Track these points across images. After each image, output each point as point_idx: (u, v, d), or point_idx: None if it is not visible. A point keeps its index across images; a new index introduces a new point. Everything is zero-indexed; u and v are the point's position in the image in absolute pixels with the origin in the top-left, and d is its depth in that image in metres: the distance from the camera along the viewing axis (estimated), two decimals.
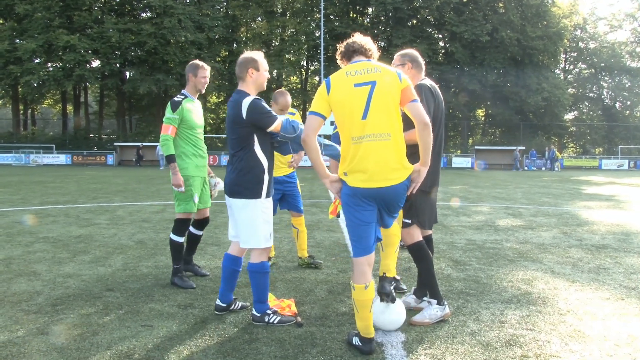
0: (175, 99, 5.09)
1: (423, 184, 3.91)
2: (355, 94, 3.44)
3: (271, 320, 4.04)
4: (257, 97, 4.08)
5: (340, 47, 3.72)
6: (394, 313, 3.89)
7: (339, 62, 3.75)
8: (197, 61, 5.23)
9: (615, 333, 3.91)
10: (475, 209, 12.27)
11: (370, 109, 3.41)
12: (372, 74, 3.48)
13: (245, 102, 3.95)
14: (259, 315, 4.09)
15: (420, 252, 4.18)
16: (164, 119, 5.04)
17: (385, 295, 3.84)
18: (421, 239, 4.20)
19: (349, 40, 3.69)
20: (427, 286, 4.24)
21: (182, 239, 5.24)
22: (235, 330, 3.93)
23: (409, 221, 4.17)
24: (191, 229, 5.48)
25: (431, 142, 3.49)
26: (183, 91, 5.21)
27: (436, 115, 4.14)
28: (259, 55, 4.19)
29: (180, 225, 5.25)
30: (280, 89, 6.07)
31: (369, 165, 3.40)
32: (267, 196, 4.10)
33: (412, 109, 3.47)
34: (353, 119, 3.43)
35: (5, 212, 10.69)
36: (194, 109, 5.15)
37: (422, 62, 4.33)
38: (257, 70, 4.11)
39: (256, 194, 4.03)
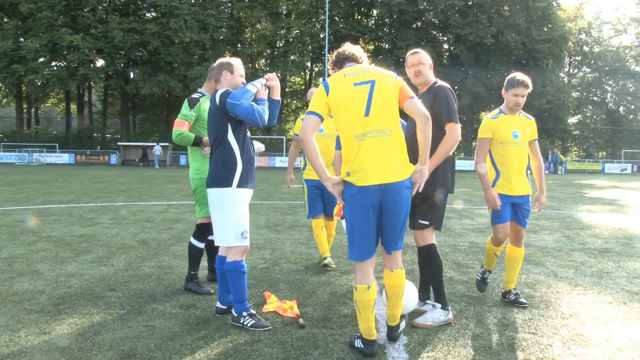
0: (193, 96, 4.97)
1: (447, 184, 4.08)
2: (356, 93, 3.47)
3: (245, 323, 4.00)
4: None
5: (331, 57, 3.80)
6: (405, 297, 3.84)
7: (330, 71, 3.82)
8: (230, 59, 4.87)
9: (618, 337, 3.90)
10: (478, 211, 12.25)
11: (372, 105, 3.44)
12: (370, 74, 3.54)
13: (218, 93, 4.14)
14: (235, 315, 4.07)
15: (432, 256, 4.16)
16: (179, 115, 4.89)
17: (393, 340, 3.76)
18: (434, 242, 4.19)
19: (339, 50, 3.78)
20: (434, 290, 4.20)
21: (202, 245, 5.07)
22: (238, 332, 3.92)
23: (427, 222, 4.13)
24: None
25: (431, 138, 3.51)
26: (200, 89, 5.10)
27: None
28: (235, 60, 4.38)
29: (201, 230, 5.04)
30: None
31: (372, 162, 3.40)
32: (240, 186, 4.07)
33: (412, 105, 3.50)
34: (356, 117, 3.45)
35: (8, 211, 10.72)
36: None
37: None
38: (231, 73, 4.31)
39: (227, 182, 4.04)
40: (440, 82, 4.23)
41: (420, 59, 4.25)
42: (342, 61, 3.71)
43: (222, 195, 4.05)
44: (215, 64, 4.44)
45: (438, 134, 4.03)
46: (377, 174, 3.39)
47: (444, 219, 4.50)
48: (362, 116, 3.43)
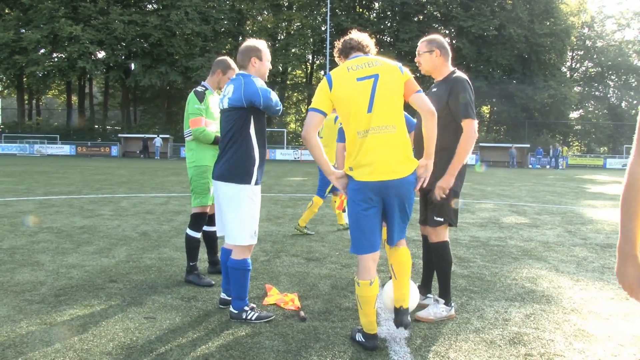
0: (199, 89, 4.92)
1: (456, 184, 3.97)
2: (359, 88, 3.43)
3: (249, 317, 3.96)
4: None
5: (338, 44, 3.72)
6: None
7: (336, 59, 3.75)
8: (229, 60, 4.98)
9: (620, 333, 3.89)
10: (479, 206, 12.23)
11: (375, 102, 3.40)
12: (374, 68, 3.47)
13: (243, 81, 3.92)
14: (236, 312, 4.00)
15: (444, 251, 4.13)
16: (190, 113, 4.82)
17: (403, 327, 3.66)
18: (447, 239, 4.17)
19: (346, 37, 3.69)
20: (440, 285, 4.16)
21: (198, 235, 5.06)
22: (239, 324, 3.92)
23: (442, 220, 4.06)
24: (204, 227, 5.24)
25: (436, 132, 3.47)
26: (203, 83, 5.05)
27: None
28: (262, 45, 4.11)
29: (196, 220, 5.03)
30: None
31: (374, 158, 3.37)
32: (257, 183, 4.00)
33: (417, 100, 3.46)
34: (358, 113, 3.41)
35: (10, 202, 10.71)
36: (213, 101, 4.99)
37: (449, 50, 4.22)
38: (259, 60, 4.04)
39: (246, 179, 3.92)
40: (458, 73, 4.10)
41: (418, 49, 4.14)
42: (348, 50, 3.65)
43: (239, 192, 3.91)
44: (241, 48, 4.09)
45: (454, 129, 3.96)
46: (379, 170, 3.37)
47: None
48: (365, 112, 3.40)
